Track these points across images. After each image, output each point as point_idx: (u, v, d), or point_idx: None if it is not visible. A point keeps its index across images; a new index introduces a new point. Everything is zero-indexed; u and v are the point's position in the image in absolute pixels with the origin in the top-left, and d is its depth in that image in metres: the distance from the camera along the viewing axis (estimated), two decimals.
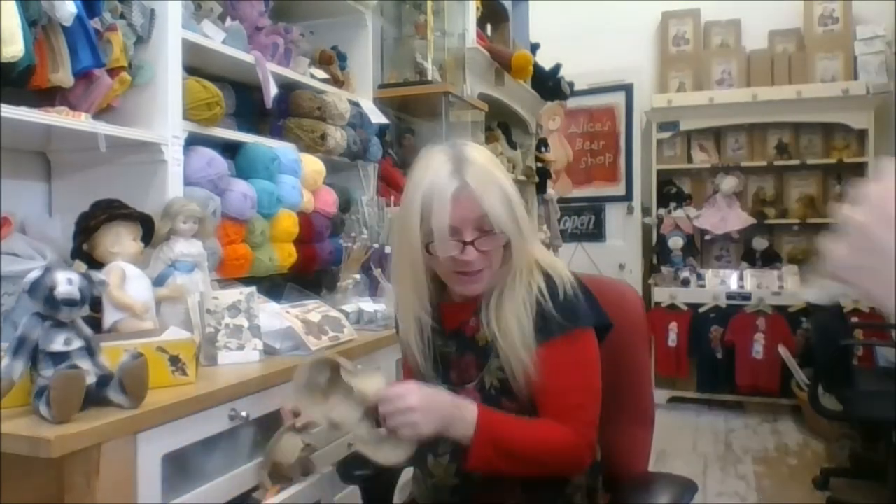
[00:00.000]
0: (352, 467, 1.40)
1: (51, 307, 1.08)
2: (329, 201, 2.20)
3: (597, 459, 1.26)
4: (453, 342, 1.23)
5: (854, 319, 3.98)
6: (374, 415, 1.11)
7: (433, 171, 1.16)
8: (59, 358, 1.08)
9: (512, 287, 1.18)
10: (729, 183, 4.68)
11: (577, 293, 1.18)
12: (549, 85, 3.90)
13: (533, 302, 1.16)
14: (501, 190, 1.15)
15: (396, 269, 1.26)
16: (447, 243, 1.13)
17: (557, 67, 3.89)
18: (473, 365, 1.20)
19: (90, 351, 1.12)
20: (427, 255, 1.17)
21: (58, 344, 1.08)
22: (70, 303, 1.08)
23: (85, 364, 1.10)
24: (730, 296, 4.44)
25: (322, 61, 2.39)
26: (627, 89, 4.99)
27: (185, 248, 1.55)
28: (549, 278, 1.18)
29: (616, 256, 4.91)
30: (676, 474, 1.32)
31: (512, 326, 1.15)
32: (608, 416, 1.26)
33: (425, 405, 1.06)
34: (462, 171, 1.14)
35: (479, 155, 1.19)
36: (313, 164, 2.12)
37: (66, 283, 1.09)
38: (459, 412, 1.09)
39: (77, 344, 1.10)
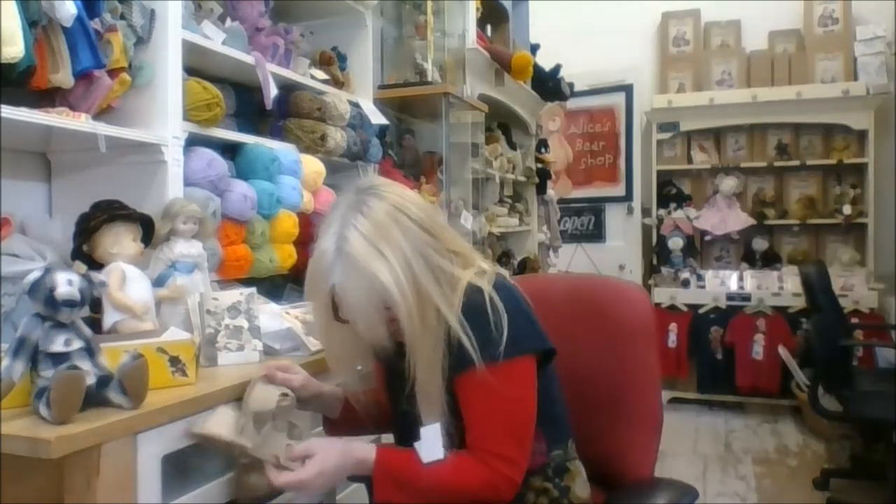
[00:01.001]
0: None
1: (51, 308, 1.08)
2: (329, 202, 2.20)
3: (564, 466, 1.21)
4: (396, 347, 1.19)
5: (854, 320, 3.98)
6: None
7: (318, 247, 1.12)
8: (59, 359, 1.08)
9: (430, 324, 1.10)
10: (729, 184, 4.68)
11: (515, 314, 1.11)
12: (549, 85, 3.90)
13: (452, 330, 1.09)
14: (374, 292, 1.08)
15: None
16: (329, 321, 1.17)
17: (557, 68, 3.90)
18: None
19: (90, 352, 1.12)
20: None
21: (58, 345, 1.08)
22: (70, 304, 1.08)
23: (85, 365, 1.10)
24: (730, 296, 4.44)
25: (322, 62, 2.39)
26: (627, 90, 5.00)
27: (185, 248, 1.55)
28: (473, 299, 1.11)
29: (616, 257, 4.91)
30: (677, 480, 1.28)
31: (423, 355, 1.10)
32: (610, 421, 1.24)
33: (318, 487, 1.13)
34: (334, 267, 1.10)
35: (354, 235, 1.08)
36: (313, 165, 2.12)
37: (66, 283, 1.09)
38: (351, 462, 1.12)
39: (77, 345, 1.10)
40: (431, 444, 1.10)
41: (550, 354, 1.18)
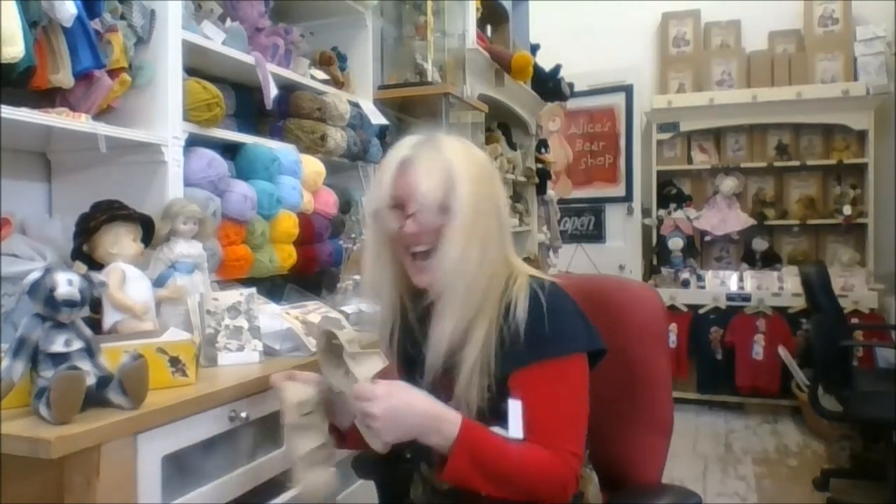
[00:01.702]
0: (368, 461, 1.38)
1: (51, 308, 1.08)
2: (329, 202, 2.20)
3: (580, 490, 1.19)
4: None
5: (854, 320, 3.98)
6: None
7: (394, 147, 1.16)
8: (59, 359, 1.08)
9: (477, 302, 1.10)
10: (729, 184, 4.68)
11: (567, 314, 1.11)
12: (549, 86, 3.90)
13: (512, 322, 1.09)
14: (447, 172, 1.09)
15: (368, 259, 1.21)
16: (387, 213, 1.12)
17: (557, 68, 3.90)
18: (453, 379, 1.15)
19: (90, 352, 1.12)
20: (390, 242, 1.15)
21: (58, 345, 1.08)
22: (70, 304, 1.08)
23: (85, 365, 1.10)
24: (730, 297, 4.44)
25: (322, 62, 2.39)
26: (627, 90, 5.00)
27: (185, 249, 1.55)
28: (536, 297, 1.10)
29: (616, 257, 4.91)
30: (680, 486, 1.26)
31: (472, 348, 1.09)
32: (621, 425, 1.22)
33: (390, 416, 1.02)
34: (417, 146, 1.13)
35: (450, 141, 1.14)
36: (313, 165, 2.12)
37: (66, 283, 1.09)
38: (435, 423, 1.04)
39: (77, 345, 1.10)
40: (515, 420, 1.06)
41: (598, 355, 1.16)
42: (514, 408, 1.06)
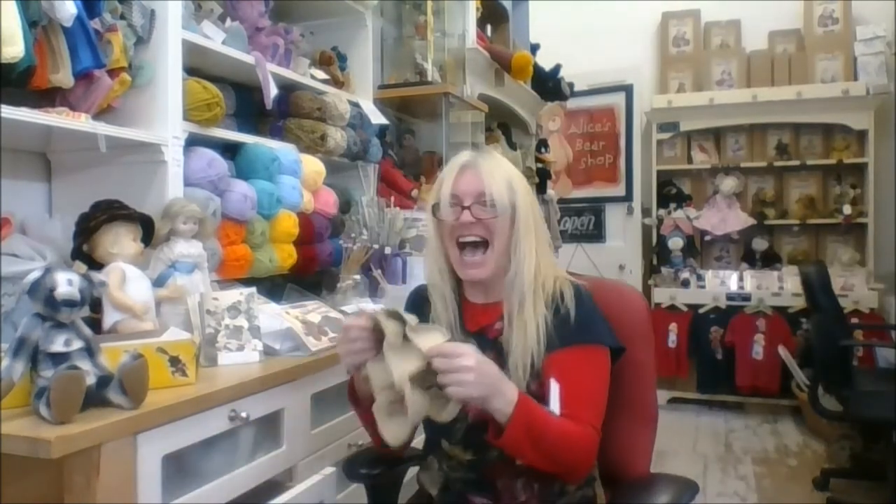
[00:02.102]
0: (357, 465, 1.40)
1: (50, 308, 1.08)
2: (329, 202, 2.20)
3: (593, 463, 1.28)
4: (475, 341, 1.24)
5: (854, 320, 3.98)
6: (421, 377, 1.09)
7: (455, 157, 1.31)
8: (59, 359, 1.08)
9: (532, 295, 1.23)
10: (729, 184, 4.68)
11: (599, 314, 1.26)
12: (549, 85, 3.90)
13: (556, 311, 1.22)
14: (508, 178, 1.26)
15: (427, 257, 1.37)
16: (447, 207, 1.25)
17: (557, 68, 3.90)
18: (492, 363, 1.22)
19: (90, 352, 1.12)
20: (443, 233, 1.27)
21: (58, 345, 1.08)
22: (70, 303, 1.08)
23: (85, 365, 1.10)
24: (730, 296, 4.44)
25: (322, 62, 2.39)
26: (627, 90, 4.99)
27: (185, 248, 1.55)
28: (578, 295, 1.25)
29: (616, 257, 4.91)
30: (677, 475, 1.31)
31: (529, 332, 1.20)
32: (610, 416, 1.27)
33: (480, 368, 1.07)
34: (477, 155, 1.29)
35: (500, 155, 1.35)
36: (313, 165, 2.12)
37: (66, 283, 1.09)
38: (504, 386, 1.11)
39: (77, 345, 1.10)
40: (556, 399, 1.16)
41: (617, 355, 1.27)
42: (555, 389, 1.16)
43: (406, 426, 1.11)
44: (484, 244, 1.25)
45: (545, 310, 1.23)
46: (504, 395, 1.10)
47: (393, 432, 1.12)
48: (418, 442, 1.41)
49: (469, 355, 1.07)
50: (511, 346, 1.22)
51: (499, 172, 1.26)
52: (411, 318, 1.13)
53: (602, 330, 1.25)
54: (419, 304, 1.36)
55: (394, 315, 1.13)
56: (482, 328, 1.28)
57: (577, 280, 1.29)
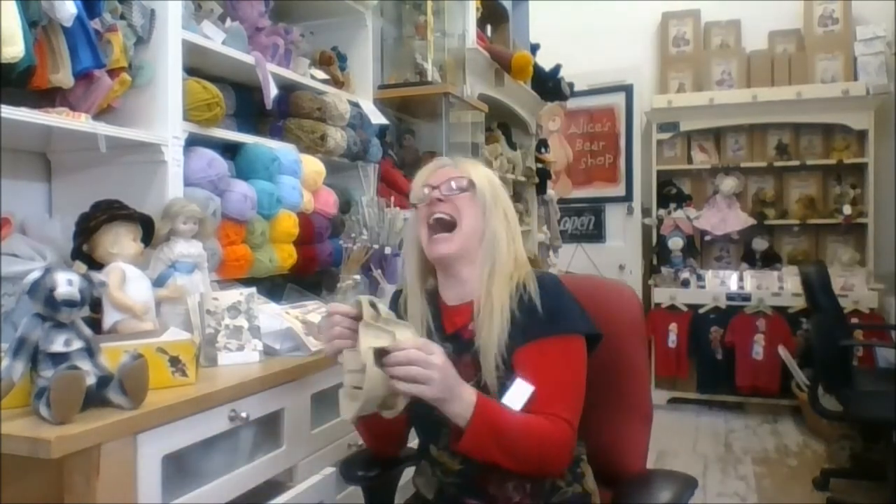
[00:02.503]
0: (354, 467, 1.40)
1: (50, 308, 1.08)
2: (329, 202, 2.20)
3: (580, 457, 1.29)
4: (451, 344, 1.25)
5: (854, 320, 3.98)
6: (384, 358, 1.09)
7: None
8: (59, 359, 1.08)
9: (500, 286, 1.23)
10: (729, 184, 4.68)
11: (569, 301, 1.24)
12: (549, 85, 3.90)
13: (520, 302, 1.21)
14: (482, 171, 1.32)
15: (405, 258, 1.39)
16: (421, 192, 1.29)
17: (557, 68, 3.90)
18: (471, 366, 1.22)
19: (90, 352, 1.12)
20: (415, 232, 1.30)
21: (58, 345, 1.08)
22: (70, 303, 1.08)
23: (85, 365, 1.10)
24: (730, 296, 4.44)
25: (322, 62, 2.39)
26: (627, 90, 5.00)
27: (185, 248, 1.55)
28: (541, 281, 1.24)
29: (616, 257, 4.91)
30: (675, 470, 1.32)
31: (494, 326, 1.19)
32: (606, 414, 1.28)
33: (444, 369, 1.08)
34: (455, 158, 1.34)
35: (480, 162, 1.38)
36: (313, 165, 2.12)
37: (66, 283, 1.09)
38: (462, 390, 1.11)
39: (77, 345, 1.10)
40: (518, 396, 1.15)
41: (594, 342, 1.26)
42: (520, 386, 1.15)
43: (360, 401, 1.10)
44: (453, 225, 1.26)
45: (509, 301, 1.22)
46: (462, 399, 1.10)
47: (349, 407, 1.15)
48: (414, 443, 1.41)
49: (438, 354, 1.08)
50: (481, 342, 1.21)
51: (473, 165, 1.32)
52: (388, 312, 1.17)
53: (572, 317, 1.22)
54: (395, 308, 1.37)
55: (373, 304, 1.16)
56: (458, 329, 1.28)
57: (543, 271, 1.30)
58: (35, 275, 1.09)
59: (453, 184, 1.27)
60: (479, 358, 1.21)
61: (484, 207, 1.27)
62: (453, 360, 1.22)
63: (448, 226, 1.26)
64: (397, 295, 1.43)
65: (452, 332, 1.28)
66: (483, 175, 1.31)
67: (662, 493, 1.23)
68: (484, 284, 1.24)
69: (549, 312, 1.20)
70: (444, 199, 1.27)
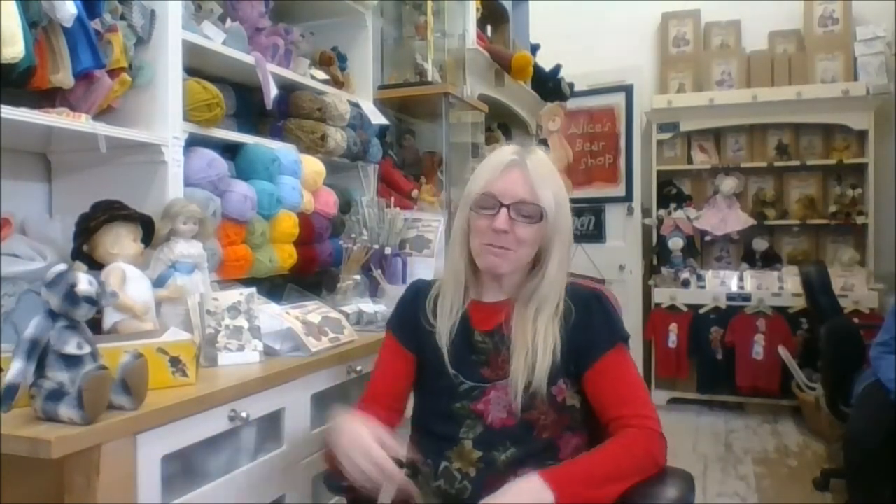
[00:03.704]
0: (338, 478, 1.34)
1: (69, 302, 1.07)
2: (329, 202, 2.20)
3: None
4: (491, 340, 1.26)
5: (854, 320, 3.97)
6: None
7: (500, 149, 1.27)
8: (71, 360, 1.07)
9: (547, 301, 1.23)
10: (729, 184, 4.68)
11: (610, 307, 1.28)
12: (549, 86, 3.90)
13: (564, 324, 1.23)
14: (556, 185, 1.23)
15: (451, 239, 1.33)
16: (484, 196, 1.21)
17: (557, 68, 3.90)
18: (508, 363, 1.22)
19: (94, 355, 1.12)
20: (471, 224, 1.24)
21: (71, 346, 1.07)
22: (91, 301, 1.09)
23: (91, 365, 1.09)
24: (730, 297, 4.43)
25: (322, 62, 2.39)
26: (627, 90, 4.99)
27: (186, 249, 1.55)
28: (578, 294, 1.26)
29: (616, 257, 4.91)
30: (671, 466, 1.33)
31: (538, 345, 1.19)
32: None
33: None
34: (523, 154, 1.23)
35: (545, 155, 1.27)
36: (313, 165, 2.12)
37: (87, 283, 1.09)
38: (521, 485, 1.06)
39: (87, 348, 1.10)
40: None
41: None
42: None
43: None
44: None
45: (556, 319, 1.22)
46: (530, 488, 1.05)
47: None
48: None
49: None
50: (514, 354, 1.20)
51: (546, 178, 1.22)
52: None
53: (620, 324, 1.27)
54: (417, 300, 1.35)
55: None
56: (497, 326, 1.26)
57: (586, 284, 1.30)
58: (59, 268, 1.10)
59: (524, 211, 1.20)
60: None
61: (550, 233, 1.23)
62: (492, 356, 1.24)
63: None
64: (423, 285, 1.39)
65: (491, 329, 1.27)
66: (551, 194, 1.22)
67: (669, 490, 1.21)
68: (530, 320, 1.22)
69: (601, 326, 1.24)
70: (509, 226, 1.20)
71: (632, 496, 1.20)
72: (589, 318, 1.24)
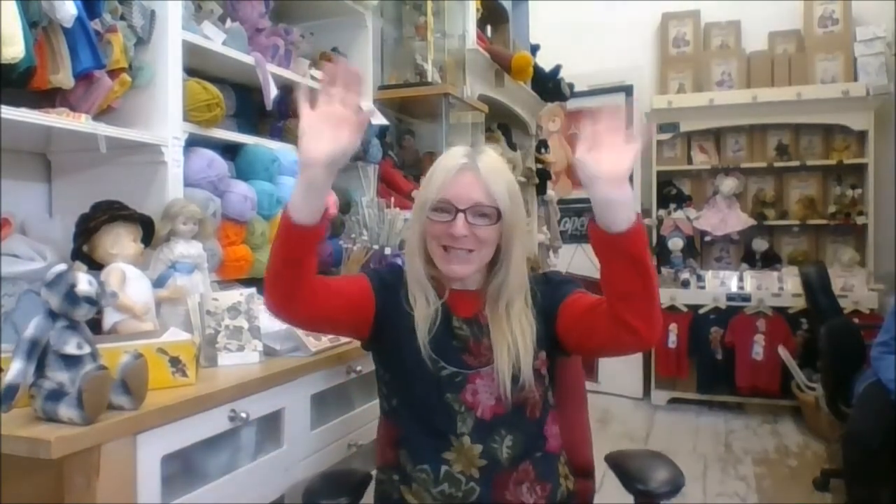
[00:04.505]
0: (318, 494, 1.30)
1: (69, 303, 1.07)
2: (329, 202, 2.20)
3: (567, 473, 1.34)
4: (469, 328, 1.27)
5: (854, 321, 3.97)
6: None
7: (449, 153, 1.28)
8: (71, 361, 1.07)
9: (517, 293, 1.26)
10: (729, 184, 4.68)
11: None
12: (549, 86, 3.90)
13: (539, 300, 1.28)
14: (508, 182, 1.25)
15: (408, 244, 1.33)
16: (439, 201, 1.22)
17: (557, 68, 3.90)
18: (489, 351, 1.24)
19: (94, 355, 1.12)
20: (427, 230, 1.25)
21: (71, 346, 1.07)
22: (91, 301, 1.09)
23: (91, 365, 1.10)
24: (730, 297, 4.43)
25: (322, 62, 2.39)
26: (627, 90, 4.99)
27: (185, 249, 1.55)
28: (549, 273, 1.38)
29: None
30: (643, 449, 1.38)
31: (515, 337, 1.23)
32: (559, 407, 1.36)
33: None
34: (474, 155, 1.25)
35: (494, 153, 1.29)
36: None
37: (87, 283, 1.09)
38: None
39: (87, 349, 1.10)
40: None
41: None
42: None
43: None
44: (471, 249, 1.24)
45: (527, 307, 1.27)
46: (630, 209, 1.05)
47: None
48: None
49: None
50: (496, 348, 1.23)
51: (498, 176, 1.24)
52: None
53: (571, 281, 1.34)
54: (394, 284, 1.31)
55: None
56: (475, 315, 1.28)
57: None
58: (59, 268, 1.10)
59: (480, 212, 1.21)
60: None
61: (507, 229, 1.24)
62: (472, 343, 1.26)
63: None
64: (396, 270, 1.39)
65: (471, 315, 1.28)
66: (506, 192, 1.23)
67: (660, 471, 1.31)
68: (503, 298, 1.25)
69: (560, 284, 1.31)
70: (468, 230, 1.21)
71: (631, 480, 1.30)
72: (551, 288, 1.29)
